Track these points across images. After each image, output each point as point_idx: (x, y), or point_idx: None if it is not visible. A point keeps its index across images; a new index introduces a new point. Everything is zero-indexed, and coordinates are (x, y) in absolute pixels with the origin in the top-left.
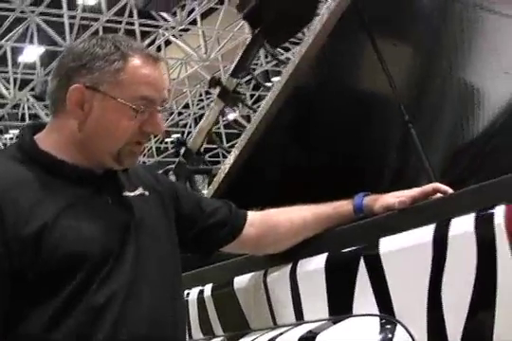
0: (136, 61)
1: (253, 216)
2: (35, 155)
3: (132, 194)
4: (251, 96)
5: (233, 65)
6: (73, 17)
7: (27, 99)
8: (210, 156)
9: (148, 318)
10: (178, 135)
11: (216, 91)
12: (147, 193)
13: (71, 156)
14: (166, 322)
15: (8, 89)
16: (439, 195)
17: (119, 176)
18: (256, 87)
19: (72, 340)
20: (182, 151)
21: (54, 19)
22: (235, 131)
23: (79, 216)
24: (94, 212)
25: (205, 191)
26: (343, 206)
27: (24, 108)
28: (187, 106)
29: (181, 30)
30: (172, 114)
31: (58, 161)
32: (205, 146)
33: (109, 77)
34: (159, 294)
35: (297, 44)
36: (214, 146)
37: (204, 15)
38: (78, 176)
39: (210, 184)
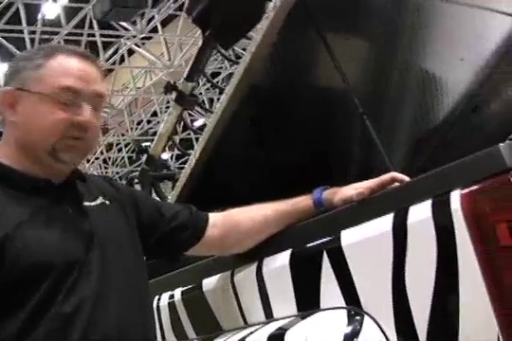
0: (58, 56)
1: (215, 217)
2: None
3: (92, 204)
4: (219, 100)
5: (187, 69)
6: (33, 32)
7: None
8: (182, 163)
9: (117, 325)
10: (149, 144)
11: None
12: (108, 202)
13: (27, 167)
14: (135, 329)
15: None
16: (397, 184)
17: (78, 187)
18: (223, 91)
19: None
20: (144, 158)
21: (14, 35)
22: None
23: (40, 226)
24: (55, 222)
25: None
26: (303, 201)
27: None
28: (155, 114)
29: (143, 39)
30: (140, 122)
31: (14, 172)
32: (176, 152)
33: (32, 73)
34: (127, 301)
35: None
36: (187, 151)
37: (164, 22)
38: (35, 187)
39: (173, 188)
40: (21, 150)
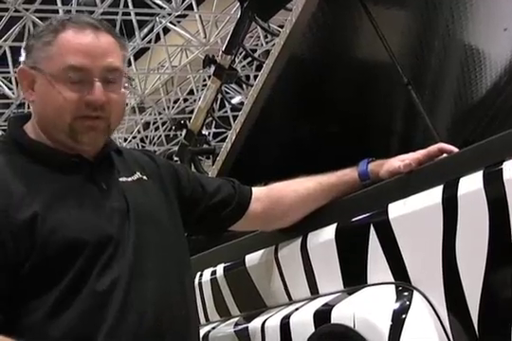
0: (66, 32)
1: (258, 191)
2: (25, 145)
3: (129, 179)
4: (255, 77)
5: (226, 42)
6: (69, 12)
7: None
8: (219, 141)
9: (154, 303)
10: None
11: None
12: (145, 178)
13: (56, 144)
14: (174, 306)
15: (11, 89)
16: (445, 155)
17: (115, 162)
18: (259, 68)
19: (77, 327)
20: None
21: (50, 15)
22: None
23: (72, 203)
24: (88, 199)
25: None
26: (348, 173)
27: (29, 107)
28: (192, 92)
29: (179, 17)
30: (177, 101)
31: (45, 148)
32: (214, 130)
33: (41, 52)
34: (165, 278)
35: None
36: (223, 130)
37: (199, 0)
38: (66, 162)
39: (213, 163)
40: (44, 129)
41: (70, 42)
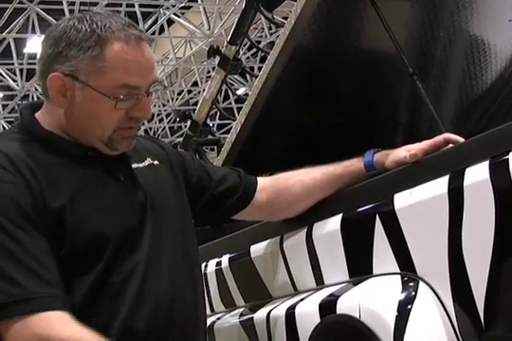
0: (114, 45)
1: (263, 181)
2: (38, 134)
3: (141, 165)
4: (259, 68)
5: (231, 32)
6: (73, 3)
7: (36, 89)
8: (223, 133)
9: (168, 291)
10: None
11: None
12: (156, 162)
13: (73, 138)
14: (186, 294)
15: (15, 81)
16: (451, 146)
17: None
18: (263, 59)
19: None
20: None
21: (54, 7)
22: None
23: (94, 196)
24: (108, 191)
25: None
26: (354, 163)
27: (34, 98)
28: (196, 84)
29: (183, 8)
30: (181, 92)
31: (62, 140)
32: (218, 122)
33: (87, 65)
34: (177, 266)
35: None
36: (228, 122)
37: None
38: (83, 155)
39: (218, 154)
40: (71, 130)
41: (120, 57)
